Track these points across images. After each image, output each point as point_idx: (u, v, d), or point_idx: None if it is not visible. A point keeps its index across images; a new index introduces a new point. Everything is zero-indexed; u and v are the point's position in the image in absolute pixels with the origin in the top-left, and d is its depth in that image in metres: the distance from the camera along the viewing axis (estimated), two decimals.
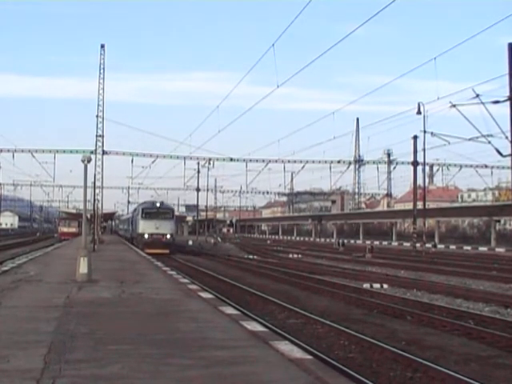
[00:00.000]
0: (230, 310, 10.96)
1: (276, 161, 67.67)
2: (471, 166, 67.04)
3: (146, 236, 41.34)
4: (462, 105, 31.91)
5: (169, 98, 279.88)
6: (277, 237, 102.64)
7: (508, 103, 29.31)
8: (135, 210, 50.90)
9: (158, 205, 43.99)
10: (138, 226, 43.40)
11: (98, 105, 61.30)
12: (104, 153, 60.83)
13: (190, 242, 60.51)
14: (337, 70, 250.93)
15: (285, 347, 7.62)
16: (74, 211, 65.31)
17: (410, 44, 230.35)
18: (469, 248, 53.90)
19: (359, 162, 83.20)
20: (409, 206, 62.12)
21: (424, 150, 42.98)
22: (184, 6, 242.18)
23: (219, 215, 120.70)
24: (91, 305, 11.36)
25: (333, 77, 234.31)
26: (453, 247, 56.28)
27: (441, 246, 56.53)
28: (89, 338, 7.98)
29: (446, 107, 32.95)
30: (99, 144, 60.55)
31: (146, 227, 41.84)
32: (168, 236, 41.71)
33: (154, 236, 41.14)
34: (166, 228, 41.84)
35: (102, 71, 61.76)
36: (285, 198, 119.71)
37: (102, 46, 62.12)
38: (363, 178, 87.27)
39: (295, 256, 42.19)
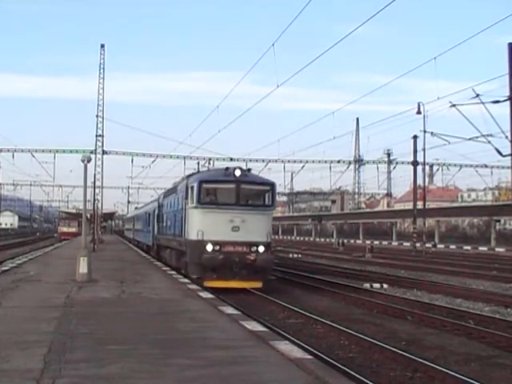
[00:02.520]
0: (229, 310, 10.97)
1: (276, 161, 67.71)
2: (471, 165, 67.13)
3: (209, 248, 17.14)
4: (462, 105, 31.91)
5: (169, 98, 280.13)
6: (277, 236, 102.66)
7: (508, 103, 29.29)
8: (175, 187, 23.24)
9: (237, 173, 17.94)
10: (185, 223, 18.92)
11: (98, 105, 61.63)
12: (104, 153, 61.03)
13: None
14: (337, 69, 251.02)
15: (285, 347, 7.63)
16: (73, 211, 65.27)
17: (410, 44, 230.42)
18: (469, 248, 53.88)
19: (359, 161, 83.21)
20: (409, 205, 62.12)
21: (424, 149, 42.99)
22: (184, 5, 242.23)
23: None
24: (91, 305, 11.37)
25: (333, 77, 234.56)
26: (453, 247, 56.27)
27: (441, 246, 56.55)
28: (89, 337, 7.99)
29: (446, 107, 32.96)
30: (99, 144, 60.77)
31: (208, 228, 17.45)
32: (261, 248, 17.45)
33: (229, 248, 17.27)
34: (256, 230, 17.63)
35: (101, 71, 62.03)
36: (285, 198, 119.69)
37: (102, 46, 62.48)
38: (363, 177, 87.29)
39: (295, 256, 42.17)
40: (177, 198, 21.36)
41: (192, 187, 18.09)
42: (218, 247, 17.01)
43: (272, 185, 18.85)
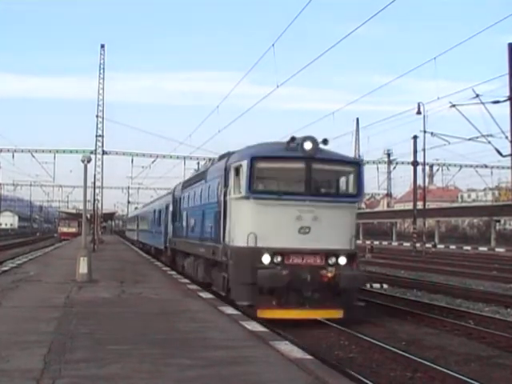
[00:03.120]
0: (229, 310, 10.97)
1: None
2: (471, 166, 67.11)
3: (266, 259, 11.59)
4: (462, 105, 31.89)
5: (169, 98, 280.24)
6: None
7: (508, 103, 29.30)
8: (203, 173, 17.15)
9: (307, 146, 12.15)
10: (224, 222, 13.13)
11: (98, 105, 61.61)
12: (104, 153, 61.04)
13: None
14: (337, 69, 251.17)
15: (285, 347, 7.64)
16: (73, 211, 65.33)
17: (410, 44, 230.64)
18: (469, 248, 53.91)
19: None
20: (409, 206, 62.17)
21: (424, 150, 42.98)
22: (184, 6, 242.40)
23: None
24: (91, 305, 11.37)
25: (332, 77, 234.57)
26: (453, 247, 56.30)
27: (441, 246, 56.60)
28: (89, 338, 7.99)
29: (446, 107, 32.92)
30: (99, 144, 60.79)
31: (264, 229, 11.90)
32: (343, 259, 12.04)
33: (296, 260, 11.81)
34: (335, 232, 12.22)
35: (101, 71, 62.06)
36: None
37: (102, 46, 62.52)
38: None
39: None
40: (207, 188, 15.60)
41: (237, 168, 12.43)
42: (279, 258, 11.63)
43: (358, 164, 13.06)
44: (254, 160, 12.03)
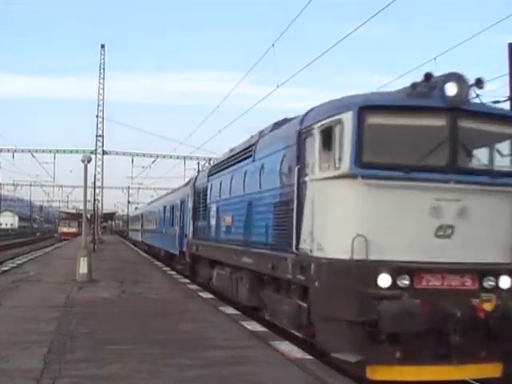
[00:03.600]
0: (229, 310, 10.96)
1: None
2: None
3: (385, 281, 6.91)
4: None
5: (169, 98, 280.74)
6: None
7: (508, 103, 29.33)
8: (248, 148, 12.06)
9: (451, 91, 7.32)
10: (300, 218, 8.18)
11: (98, 105, 61.56)
12: (104, 153, 60.97)
13: None
14: (337, 69, 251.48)
15: (285, 347, 7.63)
16: (74, 211, 65.31)
17: (410, 44, 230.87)
18: None
19: None
20: None
21: None
22: (184, 6, 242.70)
23: None
24: (91, 305, 11.38)
25: (332, 77, 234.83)
26: None
27: None
28: (89, 338, 7.99)
29: None
30: (99, 144, 60.74)
31: (380, 230, 7.16)
32: (506, 281, 7.26)
33: (432, 281, 7.11)
34: (491, 234, 7.48)
35: (102, 71, 62.05)
36: None
37: (102, 46, 62.44)
38: None
39: None
40: (257, 169, 10.94)
41: (328, 129, 7.78)
42: (406, 280, 7.08)
43: None
44: (364, 112, 7.35)
